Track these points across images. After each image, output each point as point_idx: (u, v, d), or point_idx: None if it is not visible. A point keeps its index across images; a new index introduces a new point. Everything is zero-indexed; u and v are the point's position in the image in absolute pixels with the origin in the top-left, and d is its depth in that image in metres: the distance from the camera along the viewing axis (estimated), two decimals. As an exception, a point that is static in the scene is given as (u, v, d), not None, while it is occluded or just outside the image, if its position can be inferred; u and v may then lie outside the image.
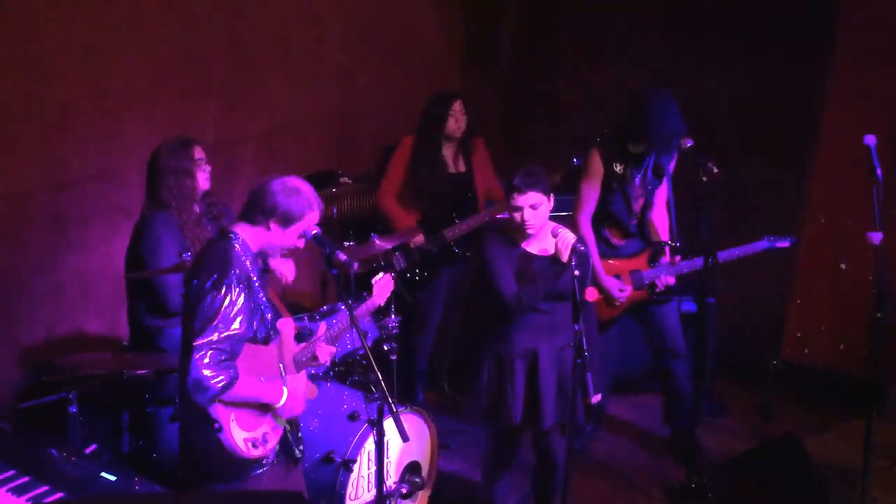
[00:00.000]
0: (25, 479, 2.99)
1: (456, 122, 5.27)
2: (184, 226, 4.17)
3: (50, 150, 4.76)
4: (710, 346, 4.91)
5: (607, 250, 4.85)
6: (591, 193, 4.75)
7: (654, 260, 4.84)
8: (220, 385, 3.10)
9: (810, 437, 5.05)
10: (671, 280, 4.77)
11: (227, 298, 3.14)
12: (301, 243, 3.35)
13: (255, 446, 3.26)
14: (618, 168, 4.71)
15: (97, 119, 4.91)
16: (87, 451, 3.76)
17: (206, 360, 3.08)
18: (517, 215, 3.89)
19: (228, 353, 3.13)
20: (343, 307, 4.11)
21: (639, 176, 4.74)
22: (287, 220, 3.26)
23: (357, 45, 6.19)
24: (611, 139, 4.73)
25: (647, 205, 4.85)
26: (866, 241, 4.39)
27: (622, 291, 4.78)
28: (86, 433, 3.87)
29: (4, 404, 4.38)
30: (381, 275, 3.66)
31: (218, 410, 3.18)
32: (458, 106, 5.29)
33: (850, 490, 4.65)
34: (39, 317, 4.83)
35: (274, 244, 3.32)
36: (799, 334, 6.00)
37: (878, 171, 4.30)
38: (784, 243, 4.80)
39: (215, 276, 3.15)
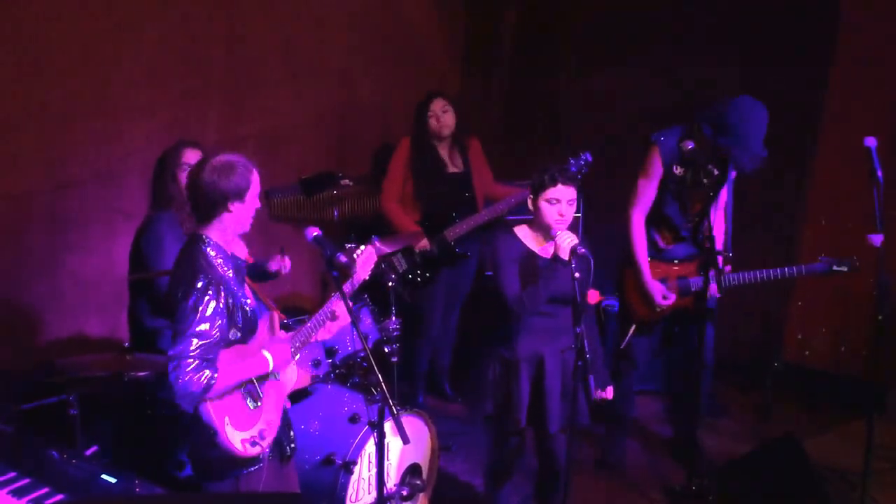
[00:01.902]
0: (26, 480, 2.99)
1: (437, 121, 5.29)
2: (183, 224, 4.20)
3: (50, 151, 4.76)
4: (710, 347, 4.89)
5: (654, 253, 4.72)
6: (647, 192, 4.65)
7: (704, 268, 4.65)
8: (200, 388, 3.08)
9: (810, 439, 5.04)
10: (716, 291, 4.60)
11: (198, 307, 3.12)
12: (259, 202, 3.33)
13: (253, 445, 3.26)
14: (677, 171, 4.61)
15: (97, 120, 4.91)
16: (88, 452, 3.77)
17: (185, 368, 3.07)
18: (554, 208, 3.84)
19: (203, 360, 3.11)
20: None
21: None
22: (240, 195, 3.24)
23: (358, 46, 6.18)
24: (672, 140, 4.60)
25: (705, 209, 4.68)
26: (867, 243, 4.38)
27: (666, 299, 4.67)
28: (86, 435, 3.86)
29: (5, 406, 4.38)
30: (362, 248, 3.64)
31: (211, 416, 3.18)
32: (436, 105, 5.31)
33: (850, 491, 4.65)
34: (39, 318, 4.83)
35: (242, 220, 3.30)
36: (799, 336, 6.00)
37: (879, 173, 4.29)
38: (843, 268, 4.61)
39: (184, 285, 3.15)
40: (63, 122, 4.77)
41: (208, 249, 3.24)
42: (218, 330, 3.15)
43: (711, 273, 4.50)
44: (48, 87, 4.69)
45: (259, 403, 3.32)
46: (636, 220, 4.66)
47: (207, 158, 3.27)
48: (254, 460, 3.31)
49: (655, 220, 4.74)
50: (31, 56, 4.60)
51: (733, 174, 4.65)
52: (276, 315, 3.49)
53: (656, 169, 4.62)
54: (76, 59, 4.76)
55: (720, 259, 4.60)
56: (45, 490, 2.95)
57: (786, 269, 4.62)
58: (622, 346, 4.79)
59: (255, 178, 3.29)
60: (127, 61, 4.97)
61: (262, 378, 3.34)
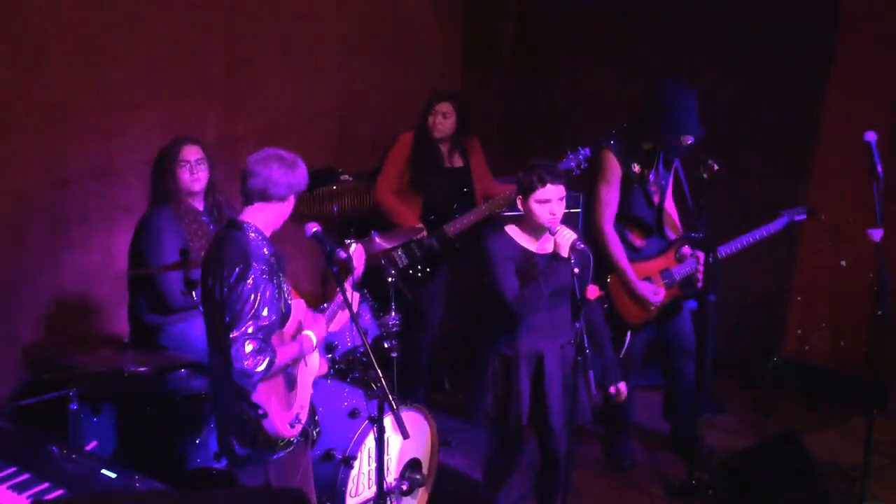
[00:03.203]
0: (26, 476, 2.99)
1: (434, 121, 5.27)
2: (182, 219, 4.22)
3: (50, 149, 4.77)
4: (710, 343, 4.89)
5: (631, 254, 4.72)
6: (611, 197, 4.64)
7: (680, 255, 4.73)
8: (262, 368, 3.17)
9: (811, 435, 5.04)
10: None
11: (254, 289, 3.19)
12: None
13: (292, 426, 3.36)
14: (636, 168, 4.63)
15: (97, 118, 4.92)
16: (88, 448, 3.77)
17: (247, 350, 3.15)
18: (545, 208, 3.83)
19: (262, 341, 3.20)
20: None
21: (652, 172, 4.69)
22: (298, 190, 3.40)
23: (357, 45, 6.19)
24: (623, 138, 4.64)
25: (662, 199, 4.78)
26: (867, 238, 4.38)
27: (657, 294, 4.68)
28: (86, 430, 3.86)
29: (4, 402, 4.39)
30: (353, 246, 3.66)
31: (261, 397, 3.26)
32: (442, 107, 5.28)
33: (850, 487, 4.65)
34: (39, 314, 4.84)
35: (286, 214, 3.41)
36: (799, 331, 6.00)
37: (879, 168, 4.30)
38: (801, 216, 4.79)
39: (239, 268, 3.21)
40: (63, 119, 4.78)
41: (251, 234, 3.31)
42: (275, 314, 3.24)
43: (710, 264, 4.51)
44: (48, 85, 4.70)
45: (295, 388, 3.42)
46: (608, 230, 4.65)
47: (269, 151, 3.40)
48: (285, 444, 3.37)
49: (625, 220, 4.74)
50: (31, 53, 4.61)
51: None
52: (303, 302, 3.56)
53: (614, 171, 4.63)
54: (75, 57, 4.77)
55: (687, 247, 4.70)
56: (45, 485, 2.95)
57: (755, 233, 4.73)
58: (621, 356, 4.78)
59: None
60: (127, 60, 4.98)
61: (295, 364, 3.43)
